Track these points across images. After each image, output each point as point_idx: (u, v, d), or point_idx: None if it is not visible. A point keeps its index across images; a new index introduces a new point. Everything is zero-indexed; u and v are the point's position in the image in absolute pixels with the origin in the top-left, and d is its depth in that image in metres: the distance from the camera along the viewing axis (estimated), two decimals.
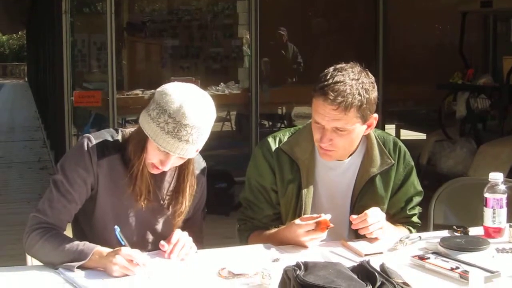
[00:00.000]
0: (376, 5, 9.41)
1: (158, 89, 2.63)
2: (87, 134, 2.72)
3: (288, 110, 10.18)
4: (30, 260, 2.87)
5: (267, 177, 2.97)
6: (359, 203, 2.94)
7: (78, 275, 2.40)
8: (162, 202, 2.79)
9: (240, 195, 3.09)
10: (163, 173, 2.74)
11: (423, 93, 9.77)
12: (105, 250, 2.53)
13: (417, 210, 3.09)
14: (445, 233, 2.93)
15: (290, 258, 2.56)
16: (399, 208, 3.03)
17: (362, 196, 2.95)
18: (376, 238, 2.79)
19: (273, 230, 2.91)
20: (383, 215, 2.82)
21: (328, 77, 2.75)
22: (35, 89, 22.85)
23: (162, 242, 2.67)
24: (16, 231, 6.74)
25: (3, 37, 53.43)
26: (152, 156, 2.62)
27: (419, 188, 3.08)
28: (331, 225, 2.68)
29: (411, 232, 3.03)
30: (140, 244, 2.74)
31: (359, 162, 2.97)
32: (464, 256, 2.55)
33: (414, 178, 3.05)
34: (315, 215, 2.73)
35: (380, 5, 9.37)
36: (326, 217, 2.68)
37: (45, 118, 15.08)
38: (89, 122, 9.38)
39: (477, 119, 8.02)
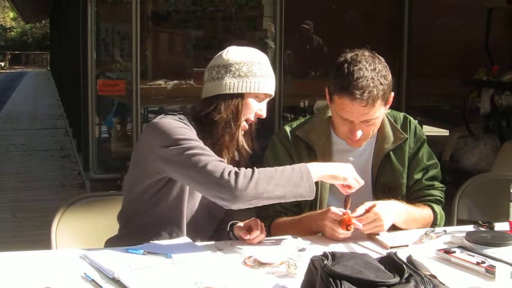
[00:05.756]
0: None
1: (211, 64, 2.75)
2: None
3: (311, 103, 10.13)
4: (55, 245, 2.90)
5: (285, 163, 2.97)
6: (379, 181, 3.00)
7: (103, 260, 2.39)
8: None
9: None
10: None
11: (447, 89, 9.71)
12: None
13: (437, 183, 3.09)
14: (470, 228, 2.92)
15: (317, 248, 2.57)
16: (415, 180, 3.05)
17: (381, 173, 3.00)
18: (401, 230, 2.83)
19: (301, 216, 2.93)
20: (387, 213, 2.74)
21: (345, 73, 2.76)
22: (58, 78, 22.99)
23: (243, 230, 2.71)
24: (37, 218, 6.82)
25: (27, 25, 53.79)
26: (252, 108, 2.73)
27: (434, 160, 3.10)
28: (352, 227, 2.67)
29: (434, 210, 3.01)
30: (205, 224, 2.82)
31: (374, 141, 3.03)
32: (490, 251, 2.53)
33: (426, 151, 3.09)
34: (344, 210, 2.73)
35: None
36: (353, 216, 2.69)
37: (67, 106, 15.14)
38: (112, 111, 9.40)
39: (501, 116, 8.01)
